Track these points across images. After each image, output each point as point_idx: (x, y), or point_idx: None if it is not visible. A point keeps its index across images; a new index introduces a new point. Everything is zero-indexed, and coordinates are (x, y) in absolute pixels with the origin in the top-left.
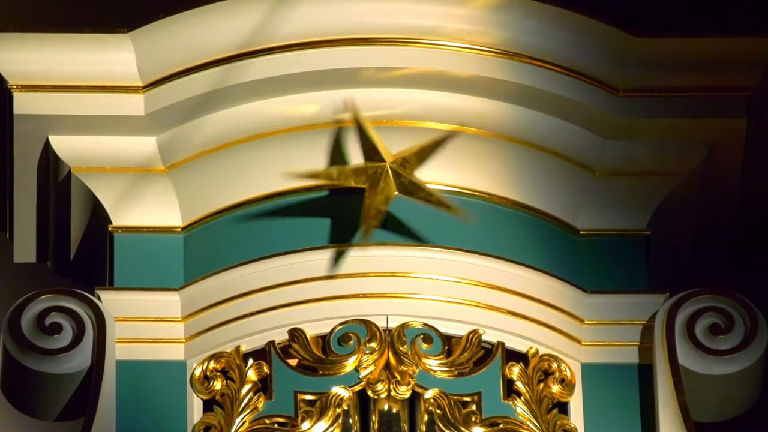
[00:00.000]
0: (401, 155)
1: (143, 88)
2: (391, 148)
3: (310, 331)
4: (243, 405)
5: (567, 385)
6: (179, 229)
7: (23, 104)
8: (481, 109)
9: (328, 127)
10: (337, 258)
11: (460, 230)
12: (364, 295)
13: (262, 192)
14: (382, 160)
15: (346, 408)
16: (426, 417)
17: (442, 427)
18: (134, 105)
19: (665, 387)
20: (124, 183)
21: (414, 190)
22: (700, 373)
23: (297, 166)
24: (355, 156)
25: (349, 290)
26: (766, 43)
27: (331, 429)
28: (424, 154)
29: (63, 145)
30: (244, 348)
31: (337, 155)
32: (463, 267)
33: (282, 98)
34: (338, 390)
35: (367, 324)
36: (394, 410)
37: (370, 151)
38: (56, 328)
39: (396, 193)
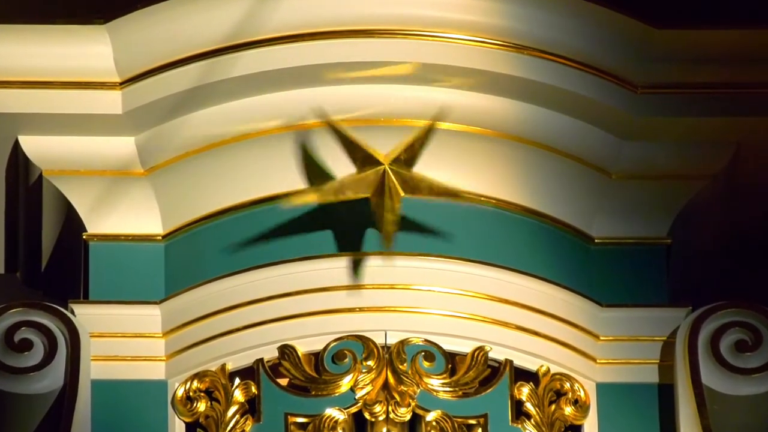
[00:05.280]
0: (395, 153)
1: (121, 84)
2: (390, 148)
3: (302, 347)
4: (229, 428)
5: (581, 406)
6: (160, 237)
7: None
8: (488, 107)
9: (321, 126)
10: (332, 269)
11: (464, 238)
12: (361, 309)
13: (250, 197)
14: (378, 162)
15: (340, 431)
16: None
17: None
18: (111, 102)
19: (687, 408)
20: (100, 187)
21: (419, 185)
22: (725, 393)
23: (288, 169)
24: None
25: (345, 303)
26: None
27: None
28: (417, 147)
29: (34, 145)
30: (230, 366)
31: (332, 156)
32: (468, 278)
33: (271, 95)
34: (332, 412)
35: (363, 340)
36: None
37: (362, 157)
38: (26, 345)
39: (403, 194)
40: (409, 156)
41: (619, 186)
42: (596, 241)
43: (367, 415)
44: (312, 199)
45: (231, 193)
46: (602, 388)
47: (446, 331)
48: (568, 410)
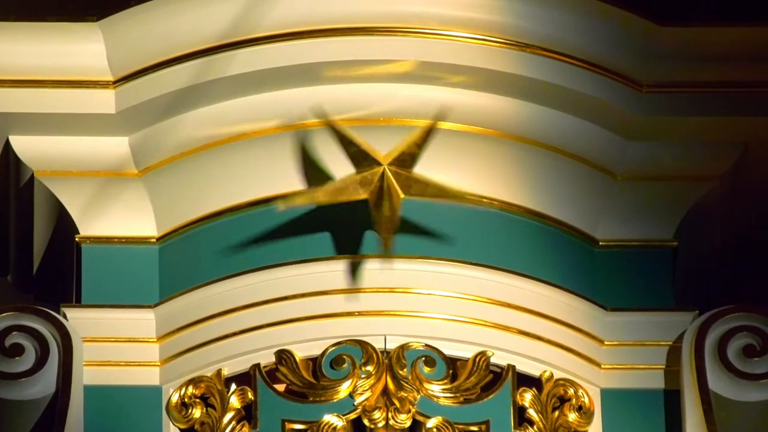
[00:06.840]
0: (394, 154)
1: (114, 83)
2: (390, 148)
3: (300, 352)
4: None
5: (585, 412)
6: (154, 240)
7: None
8: (490, 107)
9: (320, 126)
10: (330, 272)
11: (466, 241)
12: (360, 313)
13: (246, 199)
14: (378, 163)
15: None
16: None
17: None
18: (104, 102)
19: (694, 415)
20: (93, 188)
21: (422, 188)
22: (732, 399)
23: (285, 170)
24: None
25: (343, 307)
26: None
27: None
28: (417, 147)
29: (25, 146)
30: (226, 372)
31: (331, 156)
32: (470, 282)
33: (268, 94)
34: (331, 418)
35: (362, 345)
36: None
37: (359, 156)
38: (18, 350)
39: (403, 195)
40: (409, 157)
41: (624, 187)
42: (601, 243)
43: (366, 422)
44: (309, 200)
45: (227, 195)
46: (607, 394)
47: (447, 336)
48: (572, 417)
